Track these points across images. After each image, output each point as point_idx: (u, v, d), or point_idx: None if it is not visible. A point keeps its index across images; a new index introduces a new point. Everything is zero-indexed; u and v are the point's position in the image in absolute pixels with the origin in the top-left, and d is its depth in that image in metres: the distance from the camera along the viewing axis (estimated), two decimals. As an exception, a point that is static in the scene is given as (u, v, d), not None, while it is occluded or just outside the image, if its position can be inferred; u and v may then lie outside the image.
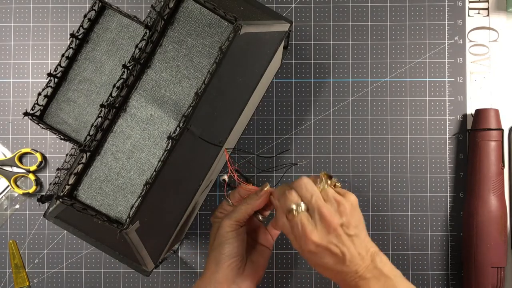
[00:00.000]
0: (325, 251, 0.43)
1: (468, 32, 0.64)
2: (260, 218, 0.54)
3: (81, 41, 0.48)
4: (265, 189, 0.49)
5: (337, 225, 0.43)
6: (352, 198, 0.46)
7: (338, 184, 0.48)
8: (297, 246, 0.45)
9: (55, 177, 0.52)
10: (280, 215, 0.46)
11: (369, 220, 0.62)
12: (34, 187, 0.62)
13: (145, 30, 0.47)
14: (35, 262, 0.63)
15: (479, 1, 0.64)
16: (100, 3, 0.48)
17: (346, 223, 0.44)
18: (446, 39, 0.63)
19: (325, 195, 0.45)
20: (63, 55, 0.48)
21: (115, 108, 0.45)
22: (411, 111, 0.63)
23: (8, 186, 0.63)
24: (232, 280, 0.48)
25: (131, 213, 0.43)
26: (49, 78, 0.48)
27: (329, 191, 0.46)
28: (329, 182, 0.47)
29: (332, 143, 0.63)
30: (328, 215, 0.44)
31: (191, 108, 0.44)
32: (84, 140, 0.46)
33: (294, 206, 0.45)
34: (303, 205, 0.45)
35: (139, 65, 0.46)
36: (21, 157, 0.64)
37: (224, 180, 0.61)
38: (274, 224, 0.55)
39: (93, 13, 0.48)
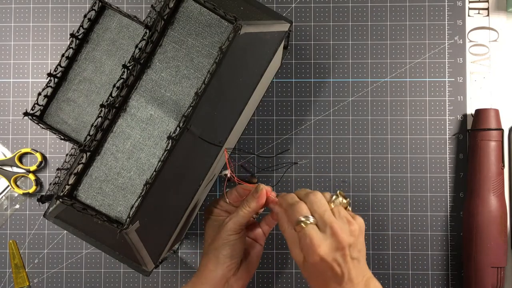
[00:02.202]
0: (327, 267, 0.43)
1: (468, 32, 0.64)
2: (253, 215, 0.54)
3: (81, 41, 0.48)
4: (260, 190, 0.49)
5: (346, 244, 0.43)
6: (361, 222, 0.46)
7: (349, 208, 0.48)
8: (298, 257, 0.45)
9: (55, 177, 0.52)
10: (282, 220, 0.46)
11: (369, 220, 0.62)
12: (34, 187, 0.62)
13: (145, 30, 0.47)
14: (35, 262, 0.63)
15: (479, 1, 0.64)
16: (100, 3, 0.48)
17: (353, 245, 0.44)
18: (446, 39, 0.63)
19: (337, 213, 0.45)
20: (63, 55, 0.48)
21: (115, 108, 0.45)
22: (411, 111, 0.63)
23: (8, 186, 0.63)
24: (227, 279, 0.49)
25: (131, 213, 0.43)
26: (49, 78, 0.48)
27: (342, 211, 0.46)
28: (344, 201, 0.47)
29: (332, 143, 0.63)
30: (340, 232, 0.43)
31: (191, 108, 0.44)
32: (84, 140, 0.46)
33: (303, 218, 0.44)
34: (311, 218, 0.44)
35: (139, 65, 0.46)
36: (21, 157, 0.64)
37: (225, 175, 0.61)
38: (268, 221, 0.55)
39: (93, 13, 0.48)
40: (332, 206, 0.46)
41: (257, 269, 0.62)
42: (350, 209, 0.48)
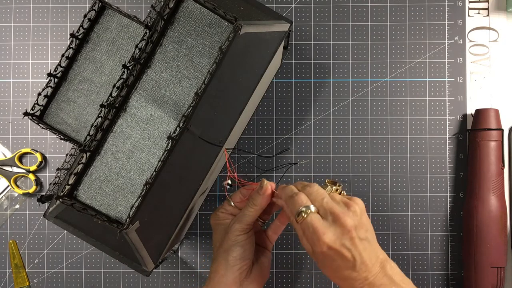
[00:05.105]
0: (336, 254, 0.42)
1: (468, 32, 0.64)
2: (260, 222, 0.54)
3: (81, 41, 0.48)
4: (264, 185, 0.48)
5: (351, 226, 0.42)
6: (359, 202, 0.45)
7: (343, 192, 0.48)
8: (307, 248, 0.45)
9: (55, 177, 0.52)
10: (292, 217, 0.46)
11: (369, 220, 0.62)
12: (34, 187, 0.62)
13: (145, 30, 0.47)
14: (35, 262, 0.63)
15: (479, 1, 0.64)
16: (100, 3, 0.48)
17: (358, 226, 0.43)
18: (446, 39, 0.63)
19: (333, 199, 0.45)
20: (63, 55, 0.48)
21: (115, 108, 0.45)
22: (411, 111, 0.63)
23: (8, 186, 0.63)
24: (240, 282, 0.48)
25: (131, 213, 0.43)
26: (49, 78, 0.48)
27: (337, 196, 0.46)
28: (333, 188, 0.47)
29: (332, 143, 0.63)
30: (342, 215, 0.43)
31: (191, 108, 0.44)
32: (84, 140, 0.46)
33: (304, 208, 0.44)
34: (312, 207, 0.44)
35: (139, 65, 0.46)
36: (21, 157, 0.64)
37: (228, 184, 0.61)
38: (275, 228, 0.54)
39: (93, 13, 0.48)
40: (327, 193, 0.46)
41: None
42: (344, 193, 0.48)
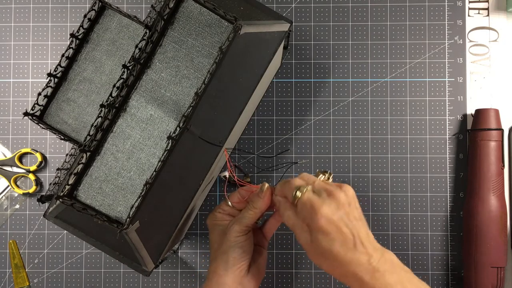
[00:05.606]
0: (335, 230, 0.42)
1: (468, 32, 0.64)
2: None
3: (81, 41, 0.48)
4: (265, 188, 0.48)
5: (345, 201, 0.43)
6: (349, 188, 0.45)
7: (330, 179, 0.49)
8: (301, 238, 0.44)
9: (55, 177, 0.52)
10: (284, 209, 0.46)
11: (369, 220, 0.62)
12: (34, 187, 0.62)
13: (145, 30, 0.47)
14: (35, 262, 0.63)
15: (479, 1, 0.64)
16: (100, 3, 0.48)
17: (351, 205, 0.44)
18: (446, 39, 0.63)
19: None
20: (63, 55, 0.48)
21: (115, 108, 0.45)
22: (411, 111, 0.63)
23: (8, 186, 0.63)
24: (239, 282, 0.48)
25: (131, 213, 0.43)
26: (49, 78, 0.48)
27: (327, 182, 0.47)
28: (324, 176, 0.48)
29: (332, 143, 0.63)
30: (335, 190, 0.43)
31: (191, 108, 0.44)
32: (84, 140, 0.46)
33: (300, 187, 0.44)
34: (309, 186, 0.44)
35: (139, 65, 0.46)
36: (21, 157, 0.64)
37: (225, 176, 0.61)
38: (270, 225, 0.54)
39: (93, 13, 0.48)
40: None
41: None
42: (331, 181, 0.49)
